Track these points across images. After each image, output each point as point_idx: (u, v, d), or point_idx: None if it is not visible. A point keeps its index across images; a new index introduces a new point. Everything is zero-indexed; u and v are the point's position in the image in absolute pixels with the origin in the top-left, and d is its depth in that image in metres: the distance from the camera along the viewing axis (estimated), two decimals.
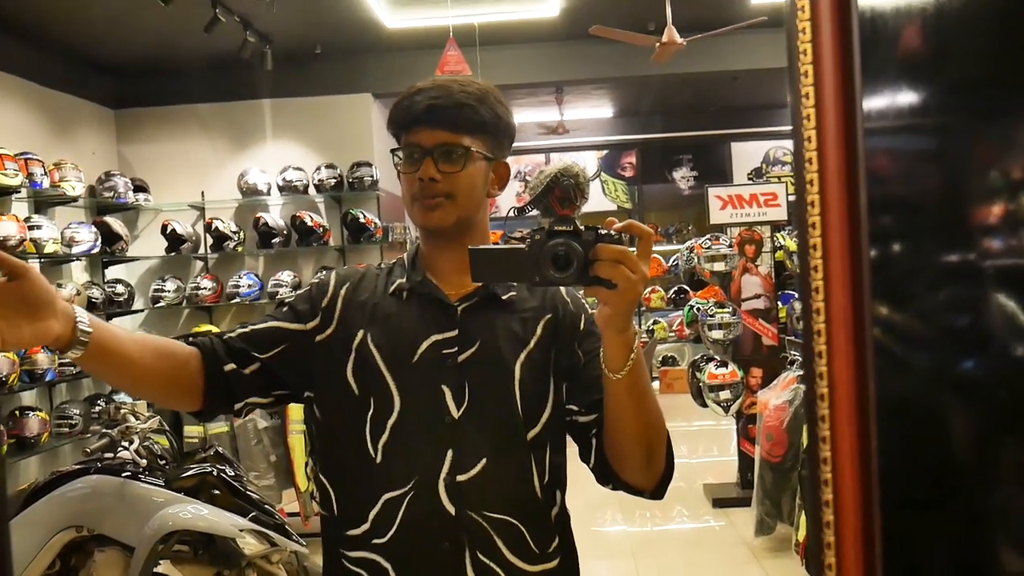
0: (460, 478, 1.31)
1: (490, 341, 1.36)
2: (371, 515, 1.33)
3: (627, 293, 1.12)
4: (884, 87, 0.73)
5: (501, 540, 1.32)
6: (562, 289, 1.42)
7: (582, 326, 1.40)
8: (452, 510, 1.30)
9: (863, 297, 0.70)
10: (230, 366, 1.36)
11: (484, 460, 1.32)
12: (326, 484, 1.41)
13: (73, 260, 6.29)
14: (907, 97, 0.73)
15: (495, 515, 1.32)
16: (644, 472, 1.30)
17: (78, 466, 2.94)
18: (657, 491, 1.33)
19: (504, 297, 1.39)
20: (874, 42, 0.73)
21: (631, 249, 1.13)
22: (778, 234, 5.84)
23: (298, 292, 1.46)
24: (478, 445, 1.32)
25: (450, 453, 1.31)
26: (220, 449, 3.11)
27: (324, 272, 1.48)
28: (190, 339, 1.38)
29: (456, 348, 1.35)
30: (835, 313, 0.71)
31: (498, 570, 1.32)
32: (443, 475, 1.31)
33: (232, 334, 1.39)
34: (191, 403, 1.36)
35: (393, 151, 1.40)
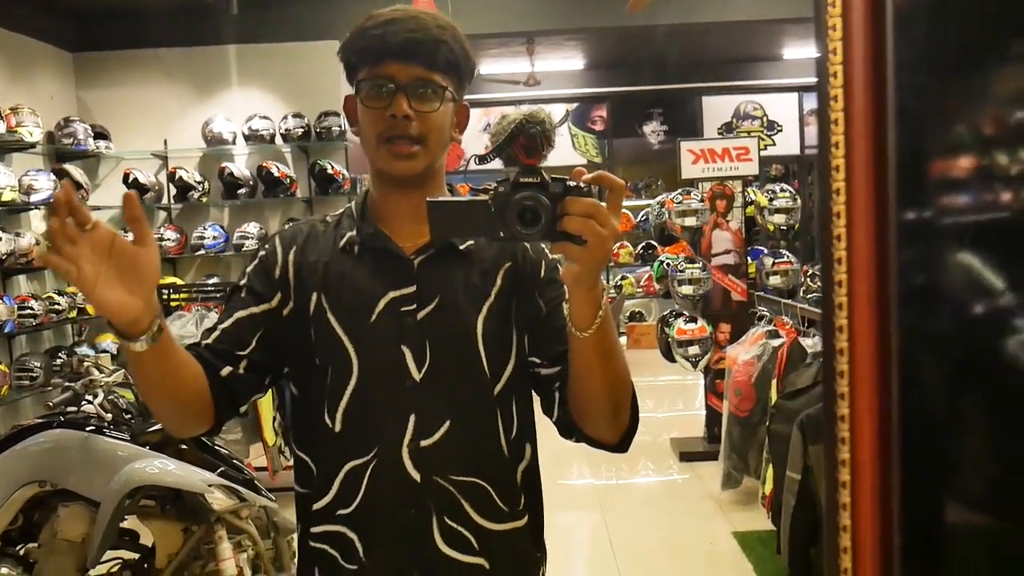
0: (424, 443, 1.27)
1: (450, 296, 1.30)
2: (335, 485, 1.29)
3: (597, 249, 1.05)
4: (918, 42, 0.69)
5: (468, 502, 1.29)
6: None
7: (542, 273, 1.34)
8: (417, 476, 1.26)
9: (888, 248, 0.67)
10: (226, 370, 1.29)
11: (448, 423, 1.28)
12: (303, 458, 1.37)
13: (32, 209, 6.12)
14: (943, 51, 0.69)
15: (461, 478, 1.28)
16: (609, 426, 1.26)
17: (40, 420, 2.88)
18: (621, 445, 1.28)
19: (462, 247, 1.33)
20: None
21: (601, 203, 1.06)
22: (749, 189, 5.83)
23: (247, 271, 1.37)
24: (441, 408, 1.28)
25: (412, 418, 1.27)
26: None
27: (268, 243, 1.39)
28: None
29: (415, 305, 1.29)
30: (857, 264, 0.68)
31: (466, 533, 1.29)
32: (406, 441, 1.26)
33: (208, 340, 1.31)
34: (205, 422, 1.29)
35: (359, 81, 1.30)
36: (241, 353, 1.31)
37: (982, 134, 0.72)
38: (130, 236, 1.09)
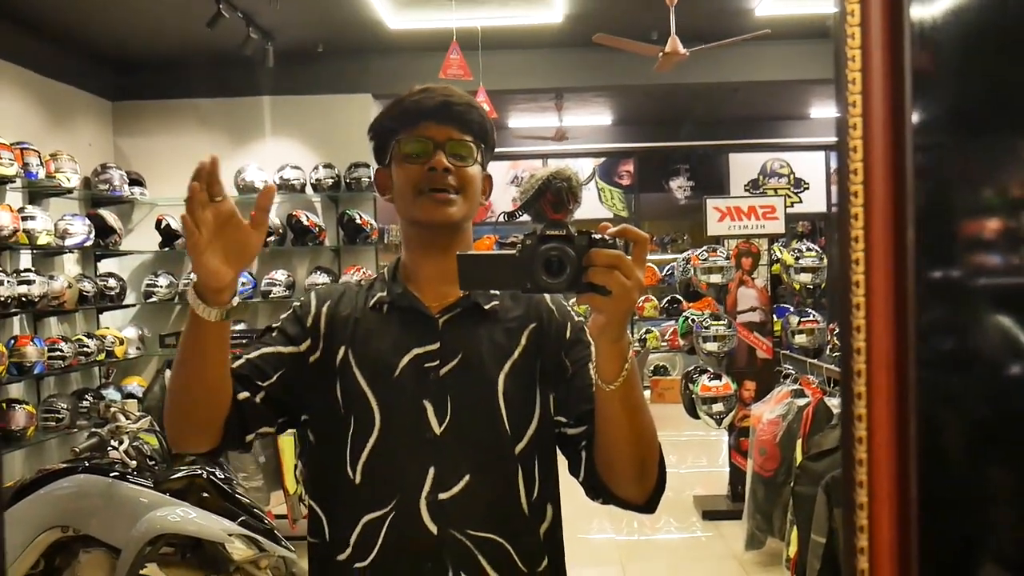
0: (442, 496, 1.27)
1: (472, 353, 1.32)
2: (352, 538, 1.30)
3: (622, 300, 1.06)
4: (936, 98, 0.71)
5: (486, 559, 1.28)
6: (547, 297, 1.39)
7: (568, 334, 1.37)
8: (434, 529, 1.27)
9: (907, 337, 0.68)
10: (244, 395, 1.31)
11: (467, 476, 1.28)
12: (316, 510, 1.38)
13: (66, 252, 6.23)
14: (961, 108, 0.70)
15: (479, 533, 1.28)
16: (636, 486, 1.25)
17: (65, 465, 2.90)
18: (649, 505, 1.28)
19: (487, 307, 1.36)
20: (925, 50, 0.71)
21: (626, 255, 1.08)
22: (775, 247, 5.83)
23: (283, 316, 1.42)
24: (460, 461, 1.29)
25: (432, 470, 1.28)
26: None
27: (303, 296, 1.46)
28: None
29: (438, 361, 1.32)
30: (877, 356, 0.69)
31: None
32: (425, 493, 1.27)
33: (233, 365, 1.33)
34: (209, 441, 1.30)
35: (397, 141, 1.37)
36: (261, 384, 1.33)
37: (1004, 195, 0.73)
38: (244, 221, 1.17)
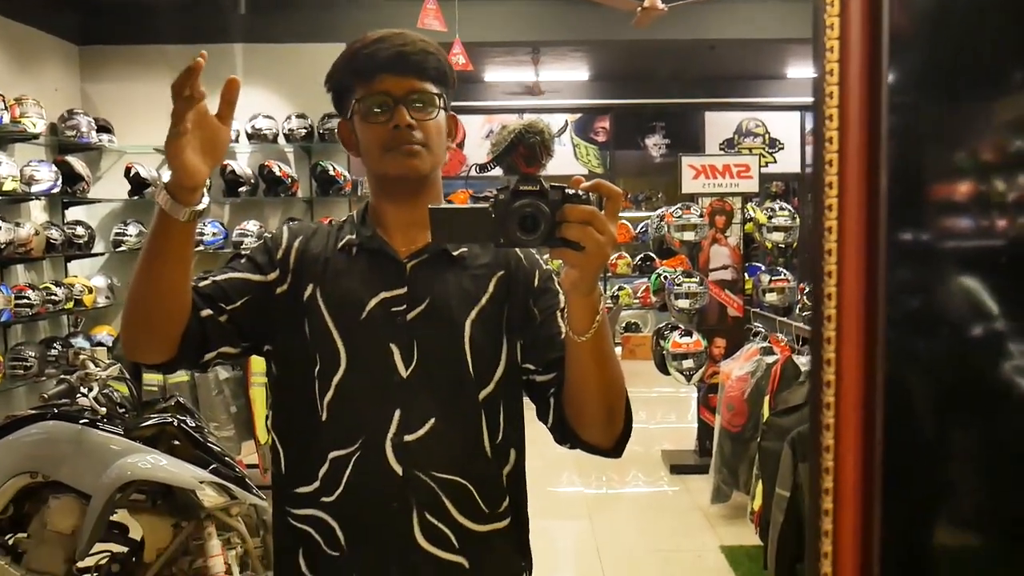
0: (408, 438, 1.30)
1: (440, 298, 1.34)
2: (320, 473, 1.32)
3: (595, 256, 1.08)
4: (912, 69, 0.71)
5: (450, 501, 1.31)
6: None
7: (536, 282, 1.38)
8: (400, 471, 1.29)
9: (876, 281, 0.69)
10: (206, 311, 1.30)
11: (432, 420, 1.31)
12: (276, 440, 1.40)
13: (32, 199, 6.12)
14: (936, 76, 0.71)
15: (443, 475, 1.31)
16: (604, 431, 1.28)
17: (34, 411, 2.88)
18: (615, 450, 1.31)
19: (455, 253, 1.37)
20: (903, 19, 0.71)
21: (599, 210, 1.08)
22: (749, 206, 5.86)
23: (253, 245, 1.42)
24: (426, 405, 1.31)
25: (397, 413, 1.30)
26: (181, 399, 3.07)
27: (276, 230, 1.45)
28: None
29: (405, 306, 1.33)
30: (847, 299, 0.70)
31: (446, 531, 1.31)
32: (390, 435, 1.29)
33: (200, 283, 1.33)
34: (164, 351, 1.28)
35: (355, 102, 1.35)
36: (225, 307, 1.33)
37: (975, 158, 0.74)
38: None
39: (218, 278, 1.35)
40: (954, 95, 0.74)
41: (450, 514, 1.31)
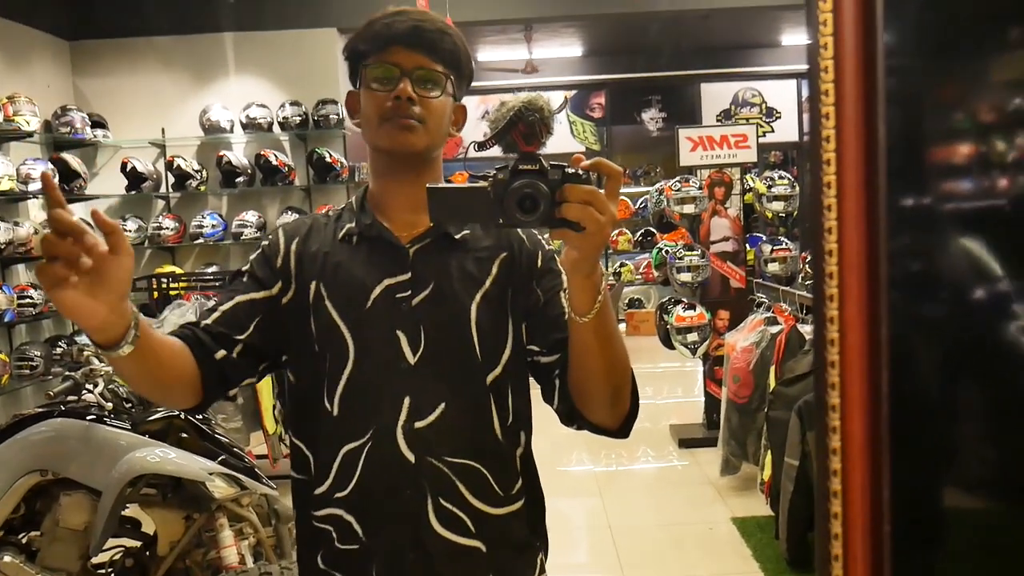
0: (418, 424, 1.29)
1: (444, 283, 1.33)
2: (333, 470, 1.32)
3: (595, 236, 1.07)
4: (908, 18, 0.70)
5: (463, 485, 1.31)
6: None
7: (539, 263, 1.37)
8: (412, 457, 1.29)
9: (878, 240, 0.68)
10: (220, 353, 1.31)
11: (443, 405, 1.30)
12: (299, 446, 1.40)
13: (30, 198, 6.11)
14: (932, 37, 0.70)
15: (456, 460, 1.30)
16: (609, 412, 1.27)
17: (41, 409, 2.88)
18: (622, 430, 1.30)
19: (457, 236, 1.36)
20: None
21: (599, 189, 1.07)
22: (748, 176, 5.84)
23: (251, 257, 1.41)
24: (436, 390, 1.30)
25: (407, 400, 1.29)
26: None
27: (271, 234, 1.43)
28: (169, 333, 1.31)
29: (409, 292, 1.32)
30: (848, 256, 0.69)
31: (462, 515, 1.31)
32: (401, 422, 1.29)
33: (207, 320, 1.33)
34: (192, 398, 1.30)
35: (364, 67, 1.34)
36: (238, 337, 1.33)
37: (972, 121, 0.73)
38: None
39: (224, 307, 1.35)
40: (951, 56, 0.73)
41: (465, 498, 1.31)
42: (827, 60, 0.73)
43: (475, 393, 1.33)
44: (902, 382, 0.72)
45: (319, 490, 1.34)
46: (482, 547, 1.32)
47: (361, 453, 1.30)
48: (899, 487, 0.75)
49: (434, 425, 1.29)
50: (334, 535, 1.34)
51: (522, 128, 1.18)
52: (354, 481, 1.30)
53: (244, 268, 1.40)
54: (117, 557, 2.90)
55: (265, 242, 1.42)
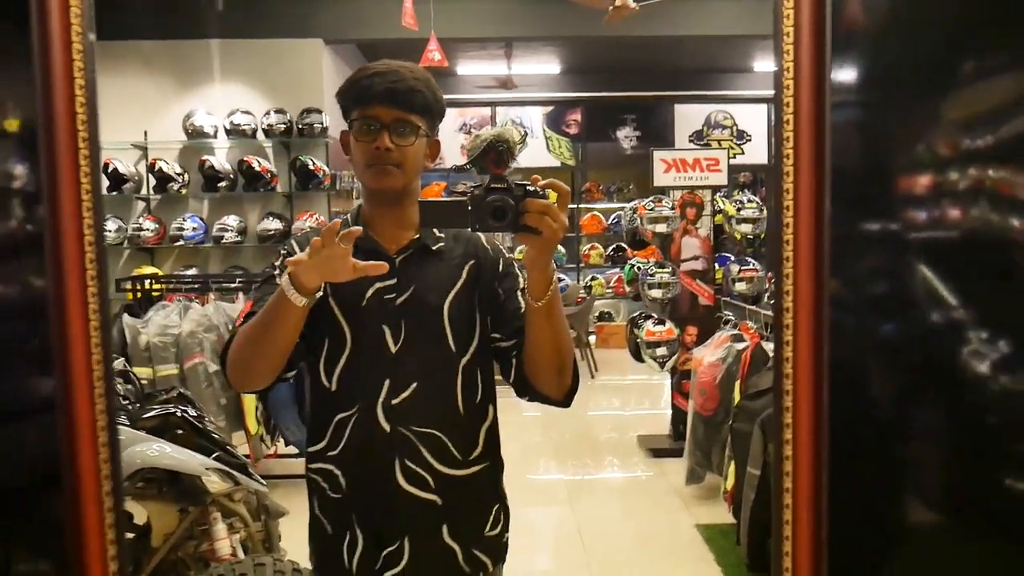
0: (394, 401, 1.60)
1: (423, 285, 1.63)
2: (327, 433, 1.64)
3: (550, 239, 1.38)
4: (859, 56, 0.85)
5: (426, 449, 1.61)
6: (483, 238, 1.70)
7: (500, 268, 1.69)
8: (387, 428, 1.60)
9: (823, 265, 0.84)
10: None
11: (414, 384, 1.61)
12: (308, 413, 1.65)
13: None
14: (878, 73, 0.84)
15: (421, 429, 1.61)
16: (556, 384, 1.58)
17: None
18: (565, 400, 1.62)
19: (434, 248, 1.66)
20: (841, 16, 0.86)
21: (553, 203, 1.36)
22: (718, 198, 6.04)
23: (277, 265, 1.67)
24: (411, 373, 1.61)
25: (387, 382, 1.60)
26: (183, 390, 3.18)
27: (286, 244, 1.71)
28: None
29: (395, 293, 1.62)
30: (801, 281, 0.85)
31: (424, 473, 1.61)
32: (381, 399, 1.60)
33: None
34: (275, 373, 1.56)
35: (351, 121, 1.63)
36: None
37: (912, 153, 0.88)
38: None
39: None
40: (893, 91, 0.88)
41: (427, 460, 1.61)
42: (789, 97, 0.89)
43: (444, 375, 1.64)
44: (842, 398, 0.88)
45: (315, 447, 1.66)
46: (438, 500, 1.62)
47: (349, 421, 1.61)
48: (837, 497, 0.90)
49: (406, 400, 1.60)
50: (325, 486, 1.65)
51: (492, 155, 1.52)
52: (342, 443, 1.62)
53: (273, 274, 1.66)
54: None
55: (283, 251, 1.69)
